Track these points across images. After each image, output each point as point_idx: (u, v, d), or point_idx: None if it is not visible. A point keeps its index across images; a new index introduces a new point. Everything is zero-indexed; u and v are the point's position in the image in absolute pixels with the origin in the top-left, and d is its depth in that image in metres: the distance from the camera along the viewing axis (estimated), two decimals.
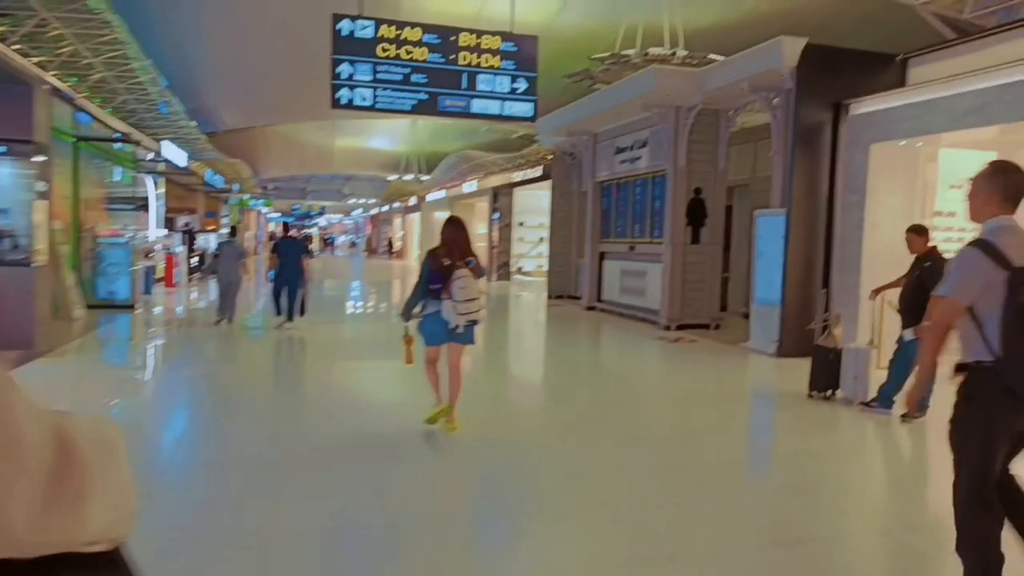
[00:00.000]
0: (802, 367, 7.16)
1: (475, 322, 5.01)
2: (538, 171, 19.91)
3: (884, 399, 6.01)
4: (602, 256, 14.35)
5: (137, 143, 12.55)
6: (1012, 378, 2.45)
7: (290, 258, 10.41)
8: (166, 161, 15.43)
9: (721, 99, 10.93)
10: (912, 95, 8.18)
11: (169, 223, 25.02)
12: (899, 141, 8.41)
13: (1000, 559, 2.53)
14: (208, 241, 24.33)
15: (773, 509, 4.03)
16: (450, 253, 4.98)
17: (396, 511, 3.90)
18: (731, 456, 5.31)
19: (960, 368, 2.58)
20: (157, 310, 13.39)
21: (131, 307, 12.49)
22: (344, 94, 11.13)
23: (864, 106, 8.78)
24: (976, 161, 9.23)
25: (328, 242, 63.71)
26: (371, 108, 11.29)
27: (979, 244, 2.56)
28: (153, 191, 18.05)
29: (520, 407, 6.97)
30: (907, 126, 8.22)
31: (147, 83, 15.15)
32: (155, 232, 18.20)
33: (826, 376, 6.55)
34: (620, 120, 13.01)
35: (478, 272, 5.08)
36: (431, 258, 5.07)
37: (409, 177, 33.68)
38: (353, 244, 66.27)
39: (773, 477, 4.90)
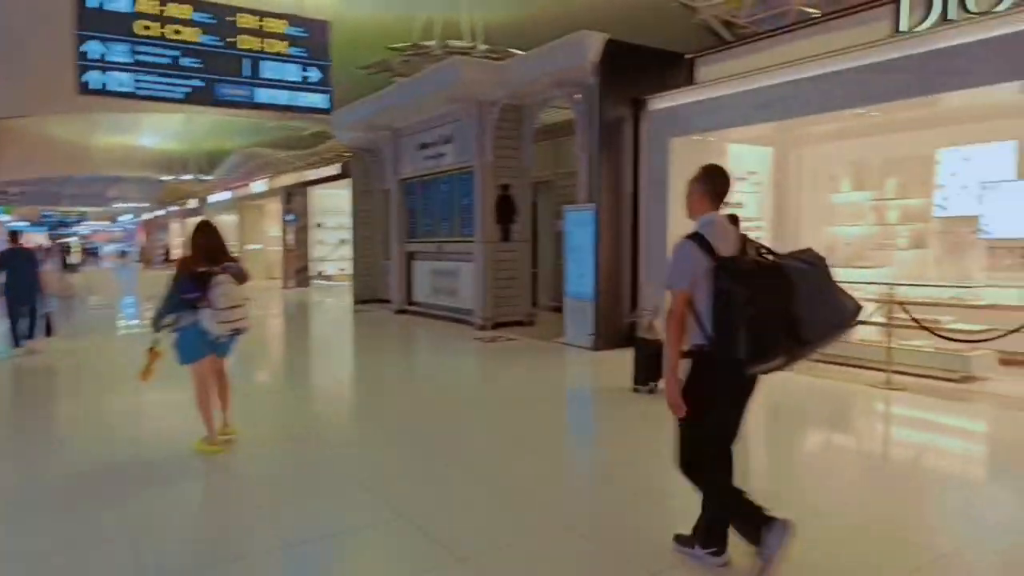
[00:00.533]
0: (620, 360, 7.10)
1: (239, 331, 4.71)
2: (335, 169, 18.70)
3: None
4: (410, 256, 13.69)
5: None
6: (723, 354, 2.73)
7: (21, 271, 9.17)
8: None
9: (525, 94, 10.79)
10: (703, 92, 8.54)
11: None
12: (694, 135, 8.78)
13: (739, 493, 2.91)
14: None
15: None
16: (205, 259, 4.63)
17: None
18: (557, 457, 4.99)
19: (685, 354, 2.89)
20: None
21: None
22: (94, 78, 9.33)
23: (661, 102, 9.05)
24: (757, 156, 10.05)
25: (89, 252, 55.78)
26: (131, 95, 9.59)
27: (693, 237, 2.85)
28: None
29: (321, 420, 6.16)
30: (700, 121, 8.57)
31: None
32: None
33: (648, 369, 6.53)
34: (423, 115, 12.44)
35: (241, 278, 4.76)
36: (183, 266, 4.70)
37: (188, 177, 30.30)
38: (123, 254, 58.73)
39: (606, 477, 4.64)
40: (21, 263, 9.28)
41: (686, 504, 3.19)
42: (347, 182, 17.63)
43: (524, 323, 11.33)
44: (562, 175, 12.88)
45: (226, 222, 29.84)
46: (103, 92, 9.35)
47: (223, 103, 10.20)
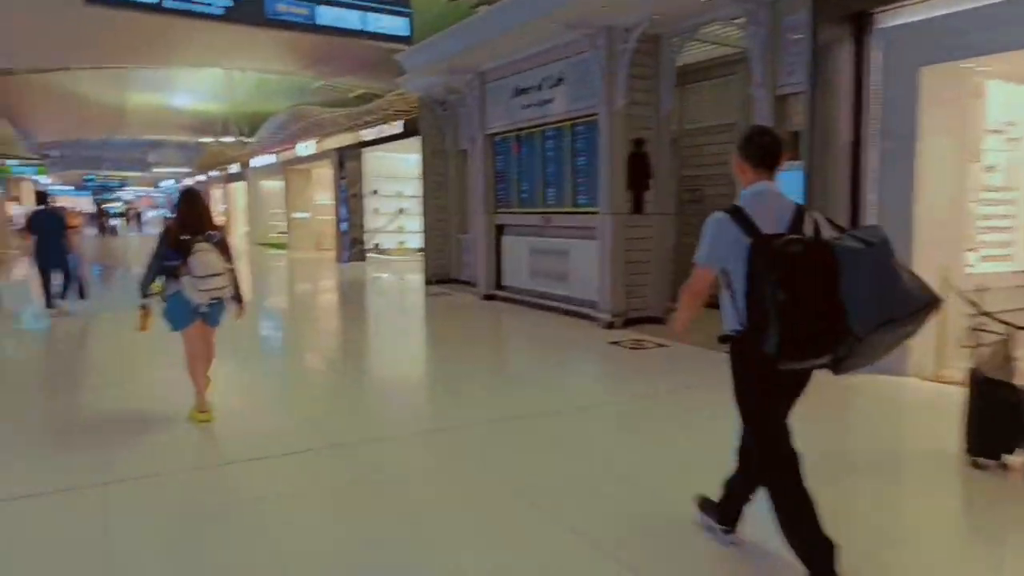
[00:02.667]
0: (861, 386, 4.40)
1: (219, 299, 4.61)
2: (397, 127, 16.03)
3: None
4: (500, 230, 11.01)
5: None
6: (754, 345, 2.44)
7: (50, 233, 9.17)
8: None
9: (674, 16, 7.94)
10: None
11: None
12: (959, 62, 5.90)
13: (807, 498, 2.55)
14: None
15: None
16: (186, 227, 4.49)
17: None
18: None
19: (722, 339, 2.65)
20: None
21: None
22: None
23: (903, 15, 6.15)
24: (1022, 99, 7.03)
25: (129, 217, 54.35)
26: (155, 7, 7.02)
27: (728, 209, 2.56)
28: None
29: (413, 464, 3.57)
30: (973, 41, 5.68)
31: None
32: None
33: (1001, 429, 3.81)
34: (522, 51, 9.63)
35: (222, 247, 4.57)
36: (166, 233, 4.54)
37: (229, 140, 27.91)
38: (166, 219, 57.07)
39: None
40: (51, 225, 9.24)
41: None
42: (411, 143, 14.98)
43: (660, 320, 8.63)
44: (692, 131, 10.04)
45: (270, 188, 27.58)
46: (118, 2, 6.77)
47: (275, 23, 7.58)
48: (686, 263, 3.16)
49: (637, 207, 8.62)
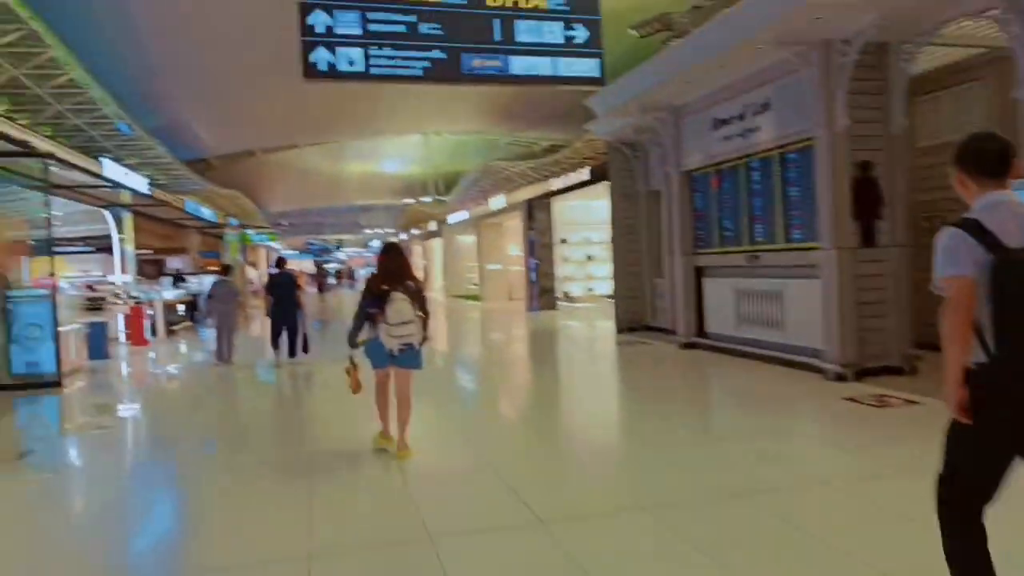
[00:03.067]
0: None
1: (410, 345, 4.87)
2: (584, 174, 15.91)
3: None
4: (699, 272, 10.22)
5: (48, 156, 8.74)
6: (1004, 380, 2.10)
7: (286, 294, 10.09)
8: (109, 184, 11.64)
9: (907, 19, 6.87)
10: None
11: (155, 266, 21.47)
12: None
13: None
14: (202, 284, 20.66)
15: None
16: (386, 277, 4.90)
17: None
18: None
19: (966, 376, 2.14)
20: (105, 382, 9.57)
21: (57, 384, 8.66)
22: (321, 56, 7.27)
23: None
24: None
25: (348, 276, 60.00)
26: (363, 75, 7.41)
27: (961, 222, 2.19)
28: (114, 227, 14.35)
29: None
30: None
31: (95, 98, 11.52)
32: (120, 277, 14.49)
33: None
34: (722, 79, 8.96)
35: (417, 297, 4.90)
36: (369, 285, 4.97)
37: (427, 200, 29.87)
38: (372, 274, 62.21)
39: None
40: (286, 286, 10.20)
41: None
42: (599, 189, 14.77)
43: (901, 371, 7.28)
44: (925, 149, 8.61)
45: (465, 243, 28.87)
46: (332, 75, 7.25)
47: (471, 78, 7.68)
48: (930, 301, 2.44)
49: (868, 239, 7.44)
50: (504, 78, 7.80)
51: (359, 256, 73.05)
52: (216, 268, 24.52)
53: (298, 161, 30.22)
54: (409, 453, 4.92)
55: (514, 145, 26.87)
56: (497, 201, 22.19)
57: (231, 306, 10.56)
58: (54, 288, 8.75)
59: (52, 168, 9.76)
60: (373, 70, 7.38)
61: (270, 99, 19.09)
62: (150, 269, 20.84)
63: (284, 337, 10.21)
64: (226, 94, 17.60)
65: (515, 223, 22.07)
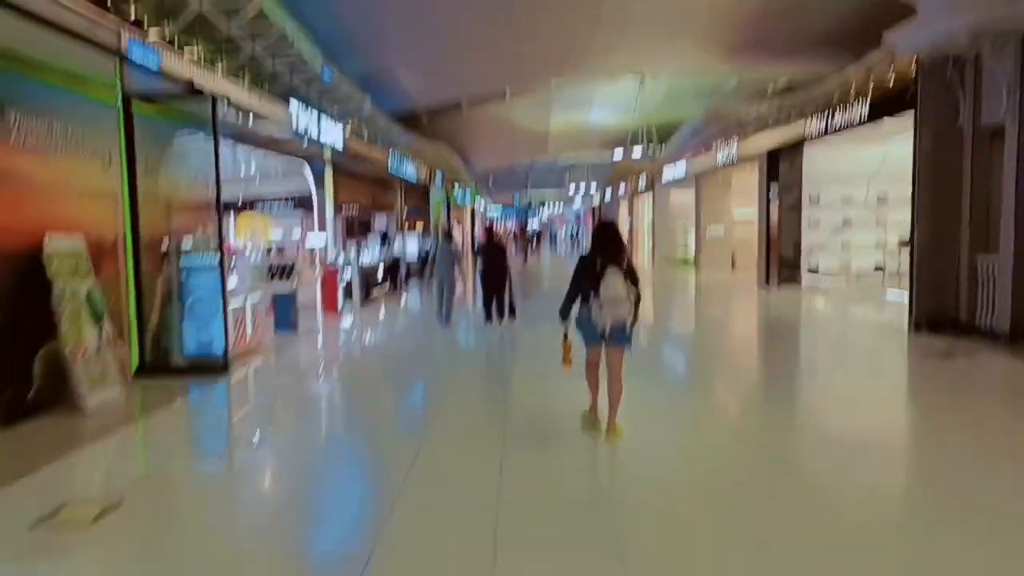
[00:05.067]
0: None
1: (623, 324, 4.78)
2: (856, 111, 12.03)
3: None
4: None
5: (223, 98, 7.43)
6: None
7: (495, 262, 10.15)
8: (300, 136, 10.40)
9: None
10: None
11: (361, 226, 21.11)
12: None
13: None
14: (406, 244, 19.87)
15: None
16: (602, 254, 4.85)
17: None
18: None
19: None
20: (294, 359, 8.41)
21: (224, 368, 7.43)
22: None
23: None
24: None
25: (542, 235, 57.93)
26: None
27: None
28: (313, 184, 13.49)
29: None
30: None
31: (293, 39, 10.36)
32: (319, 238, 13.68)
33: None
34: None
35: (632, 274, 4.81)
36: (584, 262, 4.93)
37: (638, 153, 26.82)
38: (573, 237, 60.82)
39: None
40: (495, 254, 10.22)
41: None
42: (874, 132, 11.04)
43: None
44: None
45: (680, 201, 25.62)
46: None
47: None
48: None
49: None
50: None
51: (561, 216, 71.86)
52: (422, 227, 23.95)
53: (506, 114, 28.67)
54: (618, 435, 4.86)
55: (742, 87, 22.79)
56: (726, 151, 18.64)
57: (449, 269, 10.61)
58: (224, 254, 7.49)
59: (233, 114, 8.54)
60: None
61: (481, 45, 17.36)
62: (358, 228, 20.48)
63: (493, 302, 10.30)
64: (433, 36, 16.09)
65: (747, 177, 18.44)
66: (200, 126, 7.95)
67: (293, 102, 9.95)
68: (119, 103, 6.99)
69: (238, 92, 8.72)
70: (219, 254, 7.42)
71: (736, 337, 10.61)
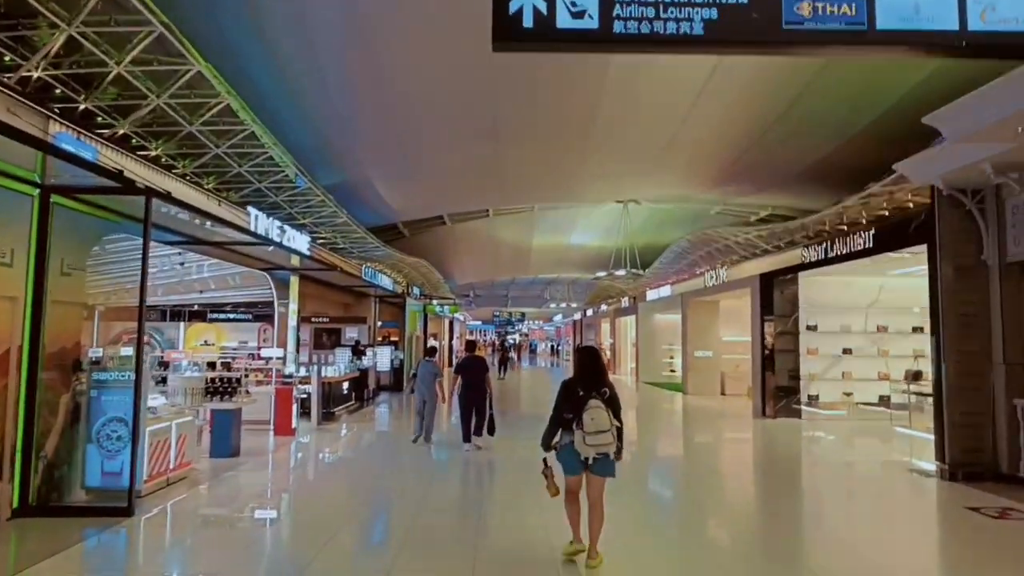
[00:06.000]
0: None
1: (606, 455, 4.76)
2: (859, 242, 11.42)
3: None
4: None
5: (159, 194, 6.33)
6: None
7: (476, 378, 9.91)
8: (263, 240, 9.34)
9: None
10: None
11: (332, 336, 19.84)
12: None
13: None
14: (378, 357, 18.55)
15: None
16: (583, 383, 4.84)
17: None
18: None
19: None
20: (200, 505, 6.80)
21: (127, 508, 5.91)
22: (529, 3, 4.14)
23: None
24: None
25: (522, 348, 57.20)
26: (596, 37, 4.10)
27: None
28: (275, 292, 12.36)
29: None
30: None
31: (265, 143, 9.61)
32: (274, 350, 12.36)
33: None
34: None
35: (613, 403, 4.82)
36: (565, 389, 4.92)
37: (621, 273, 26.27)
38: (554, 350, 60.11)
39: None
40: (476, 370, 9.97)
41: None
42: (860, 265, 10.42)
43: None
44: None
45: (664, 322, 24.82)
46: (539, 36, 3.95)
47: (798, 37, 3.98)
48: None
49: None
50: (861, 39, 4.02)
51: (540, 329, 71.25)
52: (395, 339, 22.71)
53: (489, 230, 28.33)
54: (600, 560, 4.76)
55: (725, 214, 22.69)
56: (714, 276, 18.01)
57: (431, 385, 10.51)
58: (140, 368, 6.17)
59: (184, 215, 7.53)
60: (617, 26, 3.99)
61: (464, 160, 16.98)
62: (327, 339, 19.22)
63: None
64: (417, 153, 15.64)
65: (735, 303, 17.74)
66: (136, 226, 6.92)
67: (253, 211, 8.96)
68: (36, 194, 5.94)
69: (187, 191, 7.74)
70: (136, 368, 6.12)
71: (739, 480, 9.23)
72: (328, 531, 5.75)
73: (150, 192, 6.06)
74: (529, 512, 6.27)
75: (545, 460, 4.99)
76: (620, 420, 4.81)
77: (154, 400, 7.31)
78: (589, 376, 4.85)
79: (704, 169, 17.49)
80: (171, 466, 7.09)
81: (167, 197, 6.45)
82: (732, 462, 10.36)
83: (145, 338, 13.74)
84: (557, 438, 4.92)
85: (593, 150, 15.88)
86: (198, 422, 7.88)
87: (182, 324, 12.78)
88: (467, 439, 9.83)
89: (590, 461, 4.74)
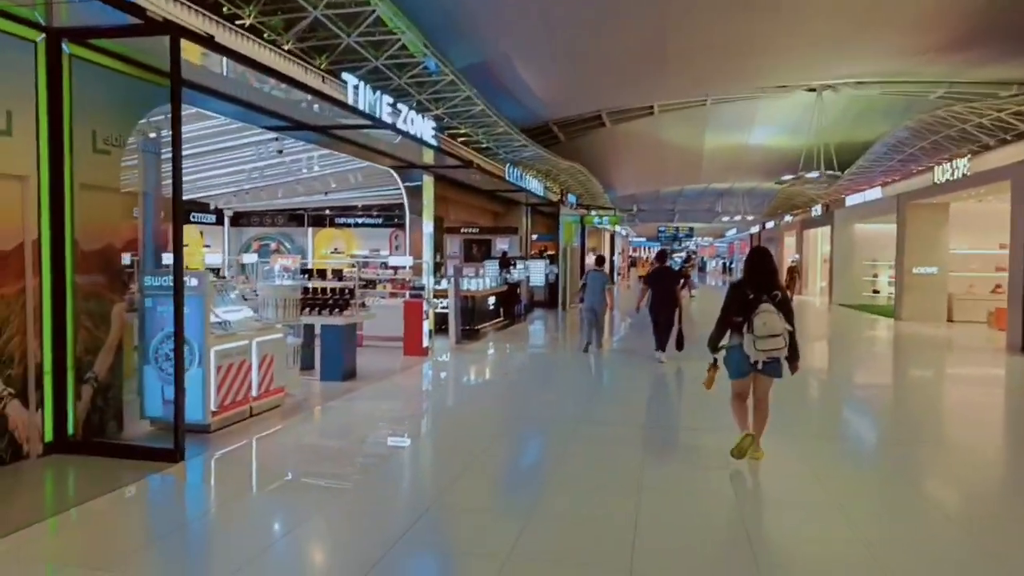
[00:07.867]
0: None
1: (776, 359, 4.60)
2: None
3: None
4: None
5: (190, 34, 4.60)
6: None
7: (664, 289, 9.42)
8: (364, 121, 7.50)
9: None
10: None
11: (481, 246, 18.39)
12: None
13: None
14: (530, 271, 16.83)
15: None
16: (753, 286, 4.64)
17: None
18: None
19: None
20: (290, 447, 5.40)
21: (172, 455, 4.54)
22: None
23: None
24: None
25: (692, 265, 53.56)
26: None
27: None
28: (404, 193, 10.80)
29: None
30: None
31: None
32: (404, 259, 10.93)
33: None
34: None
35: (786, 308, 4.58)
36: (735, 291, 4.74)
37: (813, 175, 22.04)
38: (727, 268, 55.68)
39: None
40: (668, 282, 9.53)
41: None
42: None
43: None
44: None
45: (868, 233, 20.65)
46: None
47: None
48: None
49: None
50: None
51: (711, 245, 66.45)
52: (551, 253, 20.91)
53: (654, 131, 25.08)
54: (762, 455, 4.75)
55: (948, 98, 17.67)
56: (946, 170, 13.85)
57: (601, 294, 10.11)
58: (176, 268, 4.65)
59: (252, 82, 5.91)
60: None
61: (624, 43, 14.19)
62: (476, 250, 17.81)
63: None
64: (566, 29, 13.08)
65: (976, 206, 13.59)
66: (201, 96, 5.37)
67: (347, 77, 7.12)
68: (39, 39, 4.48)
69: (258, 51, 6.06)
70: (175, 270, 4.62)
71: (993, 438, 6.24)
72: (448, 476, 4.02)
73: (173, 28, 4.36)
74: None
75: (715, 360, 4.87)
76: (792, 324, 4.56)
77: (233, 313, 5.97)
78: (760, 278, 4.65)
79: (927, 31, 13.33)
80: (253, 394, 5.76)
81: (204, 39, 4.74)
82: (983, 412, 7.28)
83: (274, 245, 12.76)
84: (725, 340, 4.79)
85: (782, 16, 12.50)
86: (291, 340, 6.51)
87: (309, 230, 11.85)
88: (661, 347, 9.41)
89: (760, 365, 4.59)
